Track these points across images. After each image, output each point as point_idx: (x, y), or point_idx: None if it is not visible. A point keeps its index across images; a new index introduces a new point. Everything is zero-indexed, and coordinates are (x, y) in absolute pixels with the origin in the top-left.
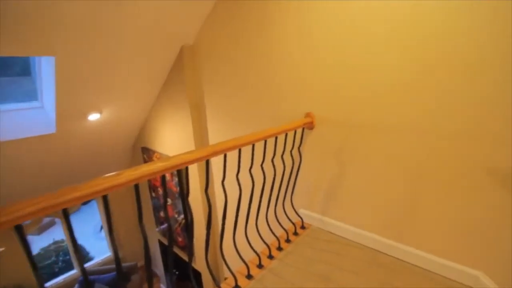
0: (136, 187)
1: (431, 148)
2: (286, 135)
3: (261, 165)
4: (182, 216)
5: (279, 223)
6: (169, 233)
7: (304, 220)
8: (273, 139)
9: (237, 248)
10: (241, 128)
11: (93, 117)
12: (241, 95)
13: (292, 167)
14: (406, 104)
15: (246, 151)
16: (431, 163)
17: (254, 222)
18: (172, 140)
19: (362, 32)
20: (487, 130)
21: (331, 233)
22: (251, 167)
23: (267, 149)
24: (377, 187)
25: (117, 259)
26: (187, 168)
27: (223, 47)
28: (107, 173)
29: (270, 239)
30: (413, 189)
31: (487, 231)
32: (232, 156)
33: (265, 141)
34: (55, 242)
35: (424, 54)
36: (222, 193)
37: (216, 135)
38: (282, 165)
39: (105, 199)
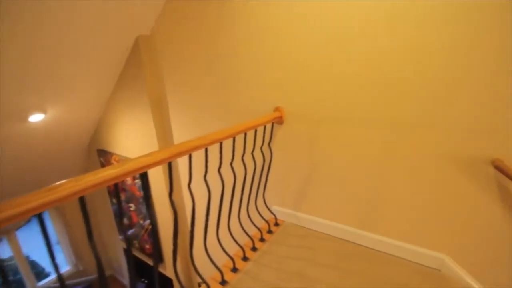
0: (82, 200)
1: (396, 138)
2: (256, 131)
3: (231, 164)
4: (148, 221)
5: (252, 223)
6: (128, 252)
7: (277, 217)
8: (242, 135)
9: (209, 254)
10: (209, 125)
11: (36, 118)
12: (207, 90)
13: (263, 164)
14: (372, 97)
15: (214, 150)
16: (396, 152)
17: (226, 224)
18: (133, 140)
19: (328, 25)
20: (449, 120)
21: (304, 227)
22: (219, 167)
23: (236, 147)
24: (347, 179)
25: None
26: (146, 174)
27: (185, 39)
28: (59, 180)
29: (244, 240)
30: (381, 179)
31: (451, 216)
32: (199, 156)
33: (234, 139)
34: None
35: (386, 46)
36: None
37: (182, 133)
38: (252, 163)
39: (40, 217)
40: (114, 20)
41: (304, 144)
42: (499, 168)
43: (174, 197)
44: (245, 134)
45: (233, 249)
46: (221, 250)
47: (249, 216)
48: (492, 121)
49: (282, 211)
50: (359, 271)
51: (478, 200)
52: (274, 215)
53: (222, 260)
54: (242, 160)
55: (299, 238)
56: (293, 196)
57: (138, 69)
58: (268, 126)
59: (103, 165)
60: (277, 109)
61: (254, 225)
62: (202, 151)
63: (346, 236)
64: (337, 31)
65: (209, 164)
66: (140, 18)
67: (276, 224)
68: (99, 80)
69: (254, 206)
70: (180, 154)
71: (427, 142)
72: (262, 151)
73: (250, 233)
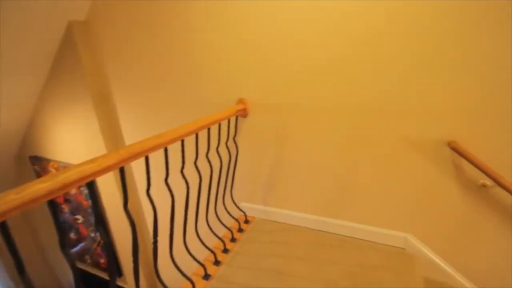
0: (4, 227)
1: (360, 125)
2: (220, 125)
3: (195, 162)
4: None
5: (222, 223)
6: (74, 273)
7: (247, 214)
8: (206, 132)
9: (177, 263)
10: (166, 123)
11: None
12: (162, 84)
13: (229, 160)
14: (335, 84)
15: (175, 150)
16: (360, 139)
17: (194, 229)
18: (75, 143)
19: (292, 12)
20: (408, 105)
21: (275, 222)
22: (182, 168)
23: (199, 144)
24: (315, 168)
25: None
26: (93, 184)
27: (129, 25)
28: None
29: (214, 242)
30: (347, 166)
31: (411, 197)
32: (157, 157)
33: (197, 135)
34: None
35: (348, 34)
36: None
37: (134, 133)
38: (218, 160)
39: None
40: (39, 3)
41: (270, 136)
42: (454, 149)
43: (130, 206)
44: (209, 129)
45: (203, 254)
46: (190, 257)
47: (217, 217)
48: (447, 105)
49: (251, 207)
50: (333, 260)
51: (436, 179)
52: (244, 212)
53: (192, 267)
54: (207, 157)
55: (271, 234)
56: (261, 191)
57: (74, 61)
58: (232, 120)
59: (38, 175)
60: (240, 101)
61: (224, 225)
62: (161, 151)
63: (317, 225)
64: (300, 19)
65: (170, 165)
66: (71, 1)
67: (247, 222)
68: (25, 74)
69: (222, 206)
70: (134, 157)
71: (388, 127)
72: (227, 147)
73: (220, 235)
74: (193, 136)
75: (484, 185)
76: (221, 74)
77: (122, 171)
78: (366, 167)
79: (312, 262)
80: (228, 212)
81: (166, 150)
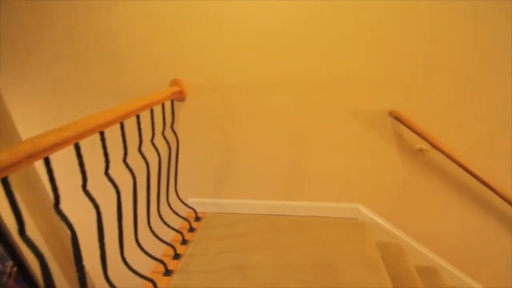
0: None
1: (309, 102)
2: (152, 112)
3: (124, 160)
4: (10, 262)
5: (168, 226)
6: None
7: (197, 210)
8: (134, 121)
9: (114, 285)
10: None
11: None
12: (71, 66)
13: (169, 153)
14: (283, 59)
15: (95, 145)
16: (310, 116)
17: (134, 239)
18: None
19: None
20: (354, 79)
21: (230, 214)
22: (107, 169)
23: (128, 136)
24: (264, 152)
25: None
26: None
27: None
28: None
29: (162, 250)
30: (298, 145)
31: (359, 168)
32: (67, 156)
33: (122, 125)
34: None
35: (297, 8)
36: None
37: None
38: (155, 154)
39: None
40: None
41: (215, 121)
42: (396, 117)
43: (34, 229)
44: (138, 117)
45: (150, 266)
46: (133, 273)
47: (162, 220)
48: (388, 77)
49: (201, 202)
50: (293, 243)
51: (380, 148)
52: (193, 209)
53: (138, 283)
54: (140, 152)
55: (227, 227)
56: (211, 183)
57: None
58: (168, 105)
59: None
60: (174, 82)
61: (171, 228)
62: (71, 149)
63: (273, 210)
64: None
65: (90, 167)
66: None
67: (198, 219)
68: None
69: (166, 206)
70: (28, 158)
71: (335, 102)
72: (165, 137)
73: (168, 239)
74: (118, 127)
75: (421, 149)
76: (151, 51)
77: (5, 183)
78: (315, 145)
79: (273, 250)
80: (175, 212)
81: (78, 148)
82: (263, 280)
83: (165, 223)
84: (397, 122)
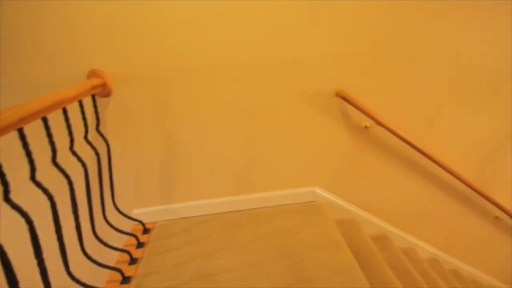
0: None
1: (253, 87)
2: (66, 112)
3: (33, 178)
4: None
5: (109, 246)
6: None
7: (145, 221)
8: (40, 125)
9: None
10: None
11: None
12: None
13: (99, 160)
14: (218, 42)
15: None
16: (256, 103)
17: (65, 271)
18: None
19: None
20: (300, 61)
21: (183, 219)
22: (6, 193)
23: (37, 145)
24: (213, 147)
25: None
26: None
27: None
28: None
29: (106, 275)
30: (247, 135)
31: (312, 150)
32: None
33: (21, 131)
34: None
35: None
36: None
37: None
38: (78, 163)
39: None
40: None
41: (150, 117)
42: (342, 97)
43: None
44: (45, 120)
45: None
46: None
47: (100, 241)
48: (334, 58)
49: (148, 212)
50: (257, 237)
51: (329, 129)
52: (139, 221)
53: None
54: (56, 164)
55: (182, 234)
56: (156, 188)
57: None
58: (89, 102)
59: None
60: (94, 73)
61: (113, 248)
62: None
63: (230, 207)
64: None
65: None
66: None
67: (146, 231)
68: None
69: (104, 223)
70: None
71: (282, 86)
72: (89, 142)
73: (112, 262)
74: (14, 134)
75: (366, 127)
76: (62, 37)
77: None
78: (264, 132)
79: (236, 249)
80: (116, 229)
81: None
82: (233, 284)
83: (105, 244)
84: (344, 102)
